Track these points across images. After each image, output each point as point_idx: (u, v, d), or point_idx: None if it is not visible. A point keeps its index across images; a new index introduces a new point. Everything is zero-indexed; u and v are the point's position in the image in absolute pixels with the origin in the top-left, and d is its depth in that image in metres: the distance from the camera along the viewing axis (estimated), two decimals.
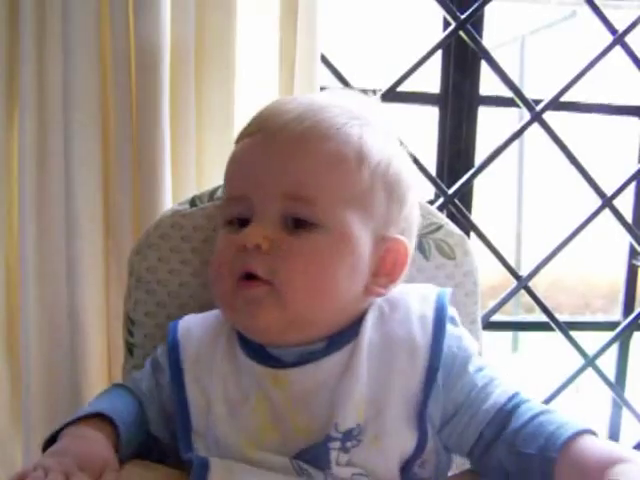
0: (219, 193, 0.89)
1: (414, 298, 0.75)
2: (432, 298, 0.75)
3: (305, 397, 0.69)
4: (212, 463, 0.67)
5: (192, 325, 0.80)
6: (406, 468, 0.68)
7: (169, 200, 1.06)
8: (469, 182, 1.35)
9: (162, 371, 0.78)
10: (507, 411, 0.68)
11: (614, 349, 1.54)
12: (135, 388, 0.79)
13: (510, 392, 0.69)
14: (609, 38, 1.36)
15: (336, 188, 0.69)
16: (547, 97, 1.36)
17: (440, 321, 0.72)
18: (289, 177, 0.69)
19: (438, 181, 1.33)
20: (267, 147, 0.70)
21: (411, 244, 0.76)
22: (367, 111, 0.75)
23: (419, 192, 0.79)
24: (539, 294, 1.43)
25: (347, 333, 0.71)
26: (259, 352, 0.73)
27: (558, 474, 0.62)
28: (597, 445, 0.62)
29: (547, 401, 1.49)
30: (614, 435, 1.59)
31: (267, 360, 0.72)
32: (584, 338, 1.49)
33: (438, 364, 0.69)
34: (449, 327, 0.72)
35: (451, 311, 0.75)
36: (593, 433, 0.64)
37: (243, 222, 0.71)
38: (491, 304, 1.41)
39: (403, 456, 0.68)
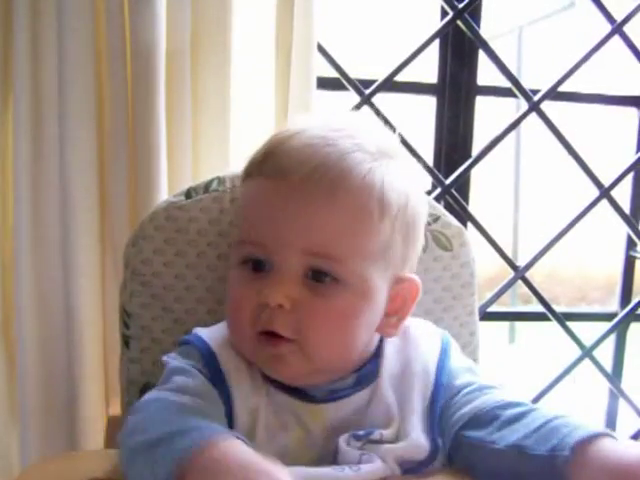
0: (214, 185, 0.88)
1: (421, 335, 0.79)
2: (437, 339, 0.79)
3: (339, 425, 0.71)
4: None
5: (216, 341, 0.76)
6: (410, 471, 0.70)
7: (165, 191, 1.05)
8: (466, 172, 1.34)
9: (205, 379, 0.72)
10: (513, 413, 0.68)
11: (611, 340, 1.54)
12: (194, 391, 0.69)
13: (508, 395, 0.71)
14: (607, 28, 1.36)
15: (361, 245, 0.69)
16: (545, 87, 1.35)
17: (445, 351, 0.77)
18: (314, 234, 0.68)
19: (435, 171, 1.32)
20: (289, 198, 0.68)
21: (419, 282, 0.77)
22: (386, 147, 0.73)
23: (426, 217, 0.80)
24: (536, 286, 1.43)
25: (370, 366, 0.75)
26: (287, 386, 0.73)
27: (576, 474, 0.60)
28: (618, 446, 0.61)
29: (544, 392, 1.49)
30: (611, 426, 1.60)
31: (300, 394, 0.72)
32: (581, 329, 1.49)
33: (442, 380, 0.74)
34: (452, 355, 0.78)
35: (454, 345, 0.80)
36: (611, 436, 0.62)
37: (258, 263, 0.70)
38: (488, 295, 1.41)
39: (410, 463, 0.70)
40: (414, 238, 0.75)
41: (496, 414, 0.69)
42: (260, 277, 0.70)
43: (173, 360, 0.74)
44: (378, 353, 0.76)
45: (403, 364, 0.75)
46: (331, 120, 0.75)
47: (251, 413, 0.70)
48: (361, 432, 0.69)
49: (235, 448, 0.56)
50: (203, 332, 0.77)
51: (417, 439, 0.70)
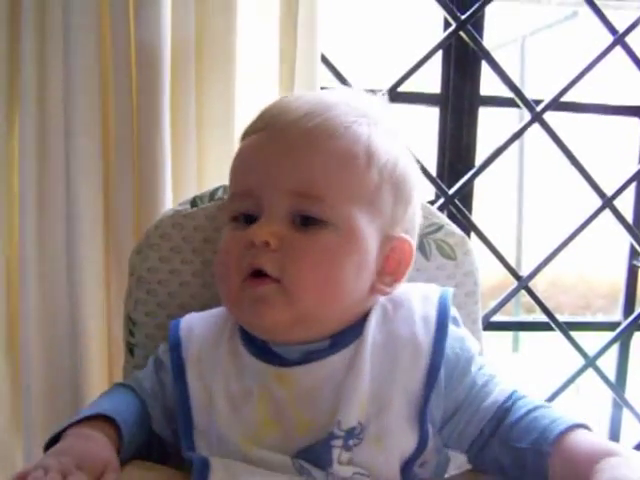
0: (220, 193, 0.89)
1: (417, 298, 0.75)
2: (435, 298, 0.75)
3: (309, 395, 0.70)
4: (213, 462, 0.67)
5: (194, 323, 0.80)
6: (406, 468, 0.68)
7: (170, 200, 1.06)
8: (469, 182, 1.35)
9: (165, 369, 0.78)
10: (505, 408, 0.69)
11: (614, 349, 1.54)
12: (138, 387, 0.79)
13: (509, 390, 0.71)
14: (610, 38, 1.36)
15: (345, 186, 0.69)
16: (548, 97, 1.36)
17: (442, 321, 0.72)
18: (299, 174, 0.69)
19: (439, 181, 1.33)
20: (275, 144, 0.70)
21: (414, 244, 0.76)
22: (374, 110, 0.75)
23: (422, 193, 0.80)
24: (539, 294, 1.43)
25: (351, 332, 0.72)
26: (262, 350, 0.73)
27: (552, 468, 0.63)
28: (588, 439, 0.64)
29: (547, 401, 1.48)
30: (614, 436, 1.59)
31: (271, 358, 0.72)
32: (584, 339, 1.49)
33: (440, 363, 0.70)
34: (451, 328, 0.73)
35: (453, 311, 0.75)
36: (587, 427, 0.65)
37: (249, 219, 0.71)
38: (491, 304, 1.41)
39: (404, 455, 0.68)
40: (405, 200, 0.74)
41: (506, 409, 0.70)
42: (249, 227, 0.70)
43: (157, 352, 0.81)
44: (362, 323, 0.73)
45: (389, 333, 0.72)
46: (344, 97, 0.76)
47: (207, 389, 0.73)
48: (341, 432, 0.67)
49: (80, 432, 0.68)
50: (187, 318, 0.81)
51: (401, 432, 0.68)
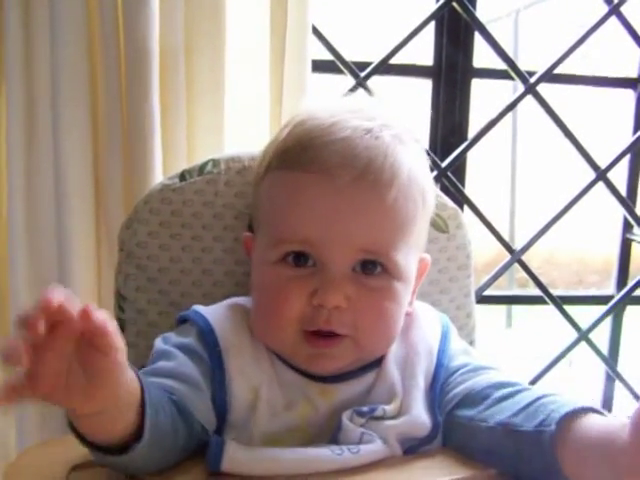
0: (209, 167, 0.88)
1: (423, 317, 0.80)
2: (437, 317, 0.81)
3: (346, 404, 0.72)
4: (228, 441, 0.65)
5: (217, 316, 0.76)
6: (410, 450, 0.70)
7: (159, 175, 1.04)
8: (462, 155, 1.34)
9: (199, 357, 0.72)
10: (504, 392, 0.68)
11: (607, 323, 1.54)
12: (176, 375, 0.69)
13: (508, 379, 0.72)
14: (604, 9, 1.35)
15: (408, 237, 0.72)
16: (541, 70, 1.34)
17: (445, 333, 0.79)
18: (367, 233, 0.69)
19: (431, 154, 1.32)
20: (340, 198, 0.68)
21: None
22: (411, 134, 0.75)
23: None
24: (533, 271, 1.43)
25: None
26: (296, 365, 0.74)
27: (560, 447, 0.60)
28: (601, 419, 0.60)
29: (541, 375, 1.49)
30: (607, 409, 1.60)
31: (310, 374, 0.73)
32: (578, 314, 1.50)
33: (443, 360, 0.75)
34: (454, 337, 0.80)
35: (454, 330, 0.81)
36: (599, 412, 0.61)
37: (299, 257, 0.70)
38: (486, 279, 1.41)
39: (412, 441, 0.70)
40: (429, 219, 0.79)
41: (487, 393, 0.69)
42: (307, 274, 0.69)
43: (161, 344, 0.74)
44: None
45: (408, 346, 0.76)
46: (354, 105, 0.75)
47: (253, 388, 0.70)
48: (365, 408, 0.69)
49: None
50: (201, 308, 0.77)
51: (419, 415, 0.70)
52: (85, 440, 0.59)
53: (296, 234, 0.70)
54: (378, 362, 0.75)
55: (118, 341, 0.52)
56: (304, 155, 0.70)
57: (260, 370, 0.72)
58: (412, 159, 0.72)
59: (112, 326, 0.51)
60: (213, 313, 0.76)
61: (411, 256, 0.73)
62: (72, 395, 0.51)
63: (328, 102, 0.77)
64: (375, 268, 0.70)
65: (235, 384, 0.70)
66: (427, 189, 0.74)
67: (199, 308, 0.77)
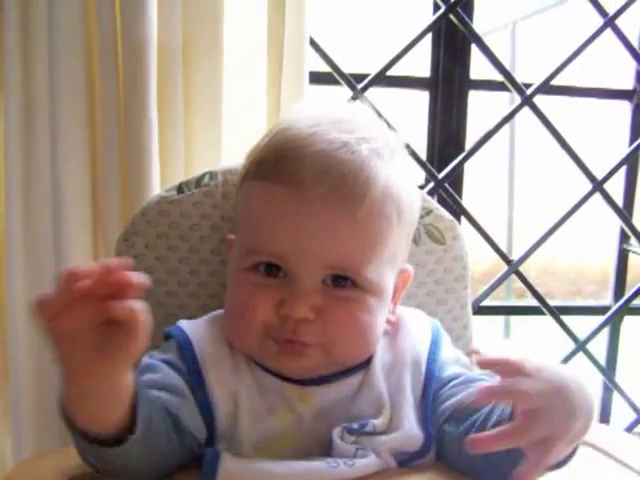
0: (206, 180, 0.88)
1: (412, 323, 0.79)
2: (427, 323, 0.80)
3: (327, 410, 0.71)
4: (223, 453, 0.66)
5: (196, 330, 0.76)
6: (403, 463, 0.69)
7: (157, 186, 1.05)
8: (459, 166, 1.34)
9: (180, 371, 0.72)
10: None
11: (605, 333, 1.54)
12: (163, 386, 0.70)
13: None
14: (600, 22, 1.35)
15: (380, 253, 0.70)
16: (538, 81, 1.35)
17: (436, 340, 0.77)
18: (337, 248, 0.68)
19: (428, 165, 1.32)
20: (311, 212, 0.67)
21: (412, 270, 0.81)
22: (392, 146, 0.74)
23: None
24: (530, 281, 1.43)
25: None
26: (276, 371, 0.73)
27: None
28: None
29: None
30: (605, 419, 1.60)
31: (288, 377, 0.72)
32: (575, 324, 1.50)
33: (434, 370, 0.74)
34: (445, 343, 0.79)
35: (445, 336, 0.80)
36: None
37: (271, 267, 0.70)
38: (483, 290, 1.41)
39: (404, 455, 0.69)
40: (412, 235, 0.78)
41: (475, 409, 0.68)
42: (277, 284, 0.69)
43: (146, 358, 0.74)
44: None
45: (394, 353, 0.75)
46: (338, 115, 0.73)
47: (232, 397, 0.70)
48: (355, 425, 0.68)
49: None
50: (184, 323, 0.78)
51: (411, 429, 0.69)
52: (77, 432, 0.59)
53: (266, 246, 0.70)
54: (362, 367, 0.74)
55: (143, 336, 0.53)
56: (279, 166, 0.70)
57: (239, 378, 0.72)
58: (389, 174, 0.70)
59: (145, 322, 0.52)
60: (193, 327, 0.77)
61: (386, 271, 0.72)
62: (76, 353, 0.52)
63: (313, 110, 0.76)
64: (346, 282, 0.70)
65: (216, 394, 0.70)
66: (404, 203, 0.72)
67: (182, 323, 0.78)
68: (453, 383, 0.73)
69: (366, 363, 0.74)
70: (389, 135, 0.75)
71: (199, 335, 0.75)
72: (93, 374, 0.53)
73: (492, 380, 0.72)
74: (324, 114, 0.74)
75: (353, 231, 0.68)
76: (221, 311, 0.79)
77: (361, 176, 0.68)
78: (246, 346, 0.73)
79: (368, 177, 0.68)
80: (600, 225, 1.83)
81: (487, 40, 1.31)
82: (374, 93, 1.26)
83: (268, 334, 0.70)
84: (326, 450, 0.68)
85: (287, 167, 0.69)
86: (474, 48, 1.33)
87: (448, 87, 1.35)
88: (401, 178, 0.73)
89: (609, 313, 1.50)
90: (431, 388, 0.72)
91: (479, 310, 1.37)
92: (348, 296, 0.70)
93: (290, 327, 0.68)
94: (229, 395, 0.70)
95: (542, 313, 1.46)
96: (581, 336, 1.48)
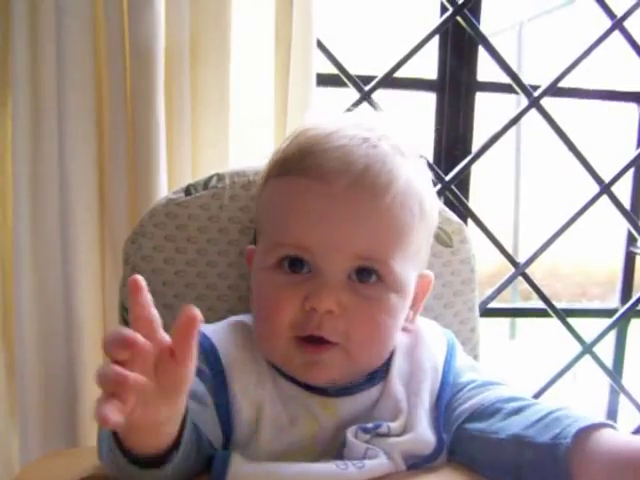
0: (214, 182, 0.88)
1: (428, 333, 0.80)
2: (442, 334, 0.81)
3: (350, 419, 0.71)
4: (234, 454, 0.66)
5: (220, 335, 0.76)
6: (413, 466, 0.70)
7: (164, 188, 1.05)
8: (466, 169, 1.34)
9: (204, 376, 0.71)
10: (515, 405, 0.68)
11: (612, 336, 1.54)
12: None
13: (517, 394, 0.72)
14: (608, 24, 1.35)
15: (404, 246, 0.71)
16: (545, 83, 1.35)
17: (450, 351, 0.78)
18: (363, 239, 0.69)
19: (435, 168, 1.32)
20: (336, 203, 0.68)
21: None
22: (412, 148, 0.75)
23: None
24: (537, 282, 1.43)
25: (382, 366, 0.75)
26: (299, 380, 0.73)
27: (577, 461, 0.60)
28: (623, 436, 0.61)
29: (545, 388, 1.49)
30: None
31: (312, 388, 0.73)
32: (582, 326, 1.49)
33: (449, 377, 0.75)
34: (460, 354, 0.80)
35: (459, 348, 0.81)
36: (612, 427, 0.62)
37: (294, 263, 0.70)
38: (489, 292, 1.41)
39: (415, 458, 0.70)
40: (432, 236, 0.79)
41: (498, 407, 0.69)
42: (302, 280, 0.69)
43: None
44: (390, 357, 0.76)
45: (413, 362, 0.76)
46: (358, 118, 0.75)
47: (255, 406, 0.70)
48: (369, 425, 0.69)
49: None
50: (205, 327, 0.77)
51: (423, 433, 0.70)
52: (124, 455, 0.58)
53: (292, 238, 0.70)
54: (382, 377, 0.74)
55: (193, 350, 0.53)
56: (303, 161, 0.70)
57: (262, 387, 0.72)
58: (410, 169, 0.72)
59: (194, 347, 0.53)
60: (216, 333, 0.76)
61: (409, 268, 0.72)
62: (148, 407, 0.52)
63: (332, 115, 0.77)
64: (370, 276, 0.70)
65: (238, 402, 0.70)
66: (426, 201, 0.73)
67: (203, 327, 0.76)
68: (470, 387, 0.73)
69: (385, 372, 0.75)
70: (410, 138, 0.76)
71: (223, 341, 0.75)
72: (161, 413, 0.54)
73: (506, 385, 0.73)
74: (345, 118, 0.76)
75: (378, 221, 0.69)
76: (241, 317, 0.79)
77: (384, 168, 0.69)
78: (274, 353, 0.72)
79: (391, 169, 0.69)
80: (607, 227, 1.83)
81: (494, 42, 1.31)
82: (381, 95, 1.26)
83: (294, 332, 0.69)
84: (339, 450, 0.69)
85: (310, 161, 0.70)
86: (481, 50, 1.33)
87: (455, 89, 1.35)
88: (420, 176, 0.74)
89: (616, 316, 1.49)
90: (444, 394, 0.73)
91: (486, 312, 1.36)
92: (372, 295, 0.70)
93: (315, 321, 0.68)
94: (252, 404, 0.70)
95: (548, 315, 1.45)
96: (588, 339, 1.48)
